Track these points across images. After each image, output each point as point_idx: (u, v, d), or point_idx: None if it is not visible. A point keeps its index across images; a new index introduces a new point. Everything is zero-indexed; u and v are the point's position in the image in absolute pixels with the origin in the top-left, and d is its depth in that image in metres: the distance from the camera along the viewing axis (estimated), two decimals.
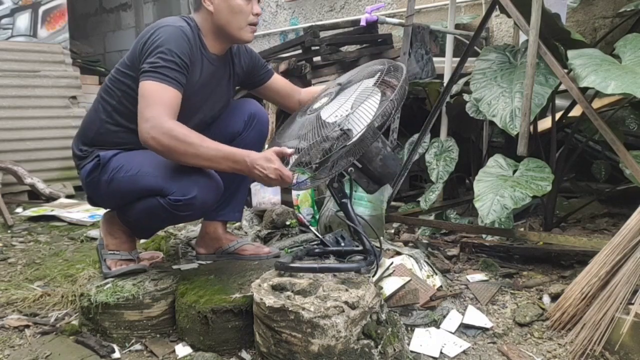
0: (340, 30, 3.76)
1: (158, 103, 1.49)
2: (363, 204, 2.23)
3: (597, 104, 2.29)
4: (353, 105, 1.52)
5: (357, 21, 3.53)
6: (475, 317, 1.64)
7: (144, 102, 1.51)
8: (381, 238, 1.73)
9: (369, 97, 1.50)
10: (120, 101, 1.68)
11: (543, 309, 1.68)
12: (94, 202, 1.83)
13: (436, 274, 1.86)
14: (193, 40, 1.62)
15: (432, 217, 2.61)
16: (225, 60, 1.77)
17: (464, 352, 1.49)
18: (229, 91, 1.84)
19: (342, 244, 1.63)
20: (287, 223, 2.42)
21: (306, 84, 3.15)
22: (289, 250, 2.10)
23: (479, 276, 1.97)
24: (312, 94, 1.89)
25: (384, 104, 1.44)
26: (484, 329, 1.60)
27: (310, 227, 2.40)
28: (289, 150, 1.52)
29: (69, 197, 3.84)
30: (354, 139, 1.42)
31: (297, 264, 1.51)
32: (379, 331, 1.33)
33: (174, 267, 1.89)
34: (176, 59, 1.54)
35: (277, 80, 1.93)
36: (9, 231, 3.01)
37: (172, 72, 1.53)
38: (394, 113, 1.45)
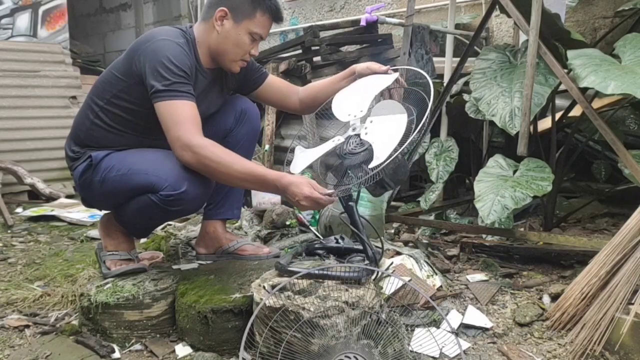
0: (340, 30, 3.76)
1: (179, 121, 1.51)
2: (363, 204, 2.23)
3: (597, 104, 2.29)
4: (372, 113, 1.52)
5: (357, 21, 3.53)
6: (475, 317, 1.64)
7: (167, 124, 1.52)
8: (382, 238, 1.73)
9: (393, 113, 1.50)
10: (109, 101, 1.68)
11: (543, 309, 1.68)
12: (88, 204, 1.83)
13: (436, 274, 1.86)
14: (191, 56, 1.63)
15: (432, 217, 2.61)
16: (217, 73, 1.77)
17: (464, 352, 1.49)
18: (221, 99, 1.85)
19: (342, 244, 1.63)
20: (287, 223, 2.42)
21: (306, 84, 3.14)
22: (289, 250, 2.10)
23: (479, 276, 1.97)
24: (311, 89, 1.90)
25: (410, 132, 1.44)
26: (484, 329, 1.61)
27: (310, 227, 2.40)
28: (325, 191, 1.48)
29: (69, 197, 3.84)
30: (380, 164, 1.42)
31: (295, 268, 1.51)
32: (378, 331, 1.33)
33: (174, 267, 1.89)
34: (181, 72, 1.55)
35: (273, 82, 1.93)
36: (9, 231, 3.01)
37: (184, 86, 1.55)
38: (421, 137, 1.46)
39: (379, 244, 1.68)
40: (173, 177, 1.57)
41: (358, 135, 1.56)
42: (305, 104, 1.92)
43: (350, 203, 1.57)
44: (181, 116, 1.52)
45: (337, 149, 1.58)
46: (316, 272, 1.44)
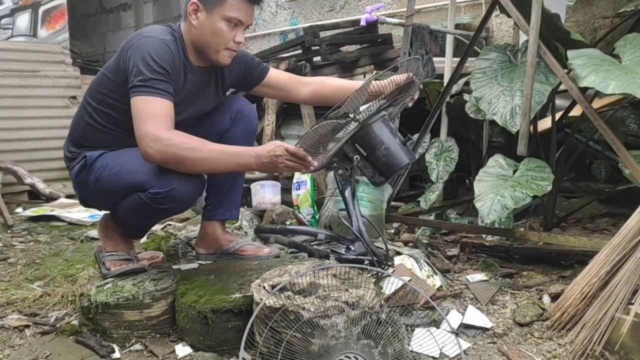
0: (340, 30, 3.76)
1: (151, 117, 1.50)
2: (363, 204, 2.23)
3: (597, 104, 2.29)
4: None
5: (357, 21, 3.53)
6: (475, 317, 1.64)
7: (138, 118, 1.51)
8: (383, 237, 1.72)
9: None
10: (101, 101, 1.68)
11: (543, 309, 1.68)
12: (86, 204, 1.83)
13: (436, 274, 1.86)
14: (176, 53, 1.62)
15: (432, 217, 2.61)
16: (211, 71, 1.76)
17: (464, 352, 1.49)
18: (217, 97, 1.84)
19: (352, 249, 1.61)
20: (287, 223, 2.42)
21: None
22: (289, 251, 2.10)
23: (479, 276, 1.97)
24: (327, 89, 1.86)
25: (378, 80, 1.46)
26: (484, 329, 1.60)
27: (310, 227, 2.40)
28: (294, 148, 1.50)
29: (69, 197, 3.84)
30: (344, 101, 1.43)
31: (269, 226, 1.52)
32: (378, 331, 1.33)
33: (174, 267, 1.89)
34: (161, 69, 1.55)
35: (276, 75, 1.90)
36: (9, 231, 3.01)
37: (160, 83, 1.54)
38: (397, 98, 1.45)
39: (380, 244, 1.67)
40: (161, 175, 1.57)
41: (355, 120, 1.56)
42: (316, 99, 1.90)
43: (345, 187, 1.56)
44: (151, 113, 1.50)
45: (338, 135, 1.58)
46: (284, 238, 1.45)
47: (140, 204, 1.61)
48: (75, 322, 1.73)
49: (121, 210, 1.69)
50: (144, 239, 2.38)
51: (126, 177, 1.61)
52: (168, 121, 1.52)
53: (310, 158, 1.50)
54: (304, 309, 1.29)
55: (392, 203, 2.67)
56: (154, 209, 1.61)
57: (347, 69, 3.50)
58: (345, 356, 1.24)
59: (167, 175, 1.57)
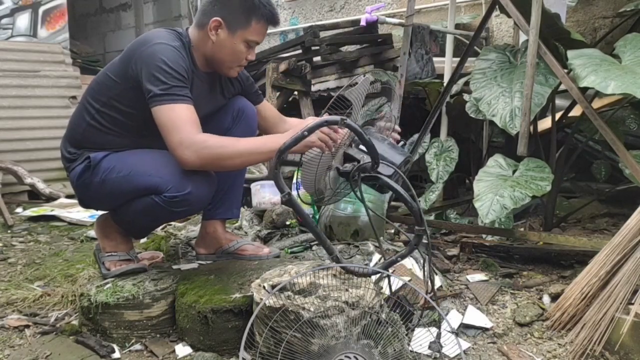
0: (340, 30, 3.76)
1: (181, 124, 1.51)
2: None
3: (597, 104, 2.29)
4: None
5: (357, 21, 3.53)
6: (475, 317, 1.64)
7: (168, 127, 1.52)
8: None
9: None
10: (106, 104, 1.67)
11: (543, 309, 1.68)
12: (86, 205, 1.82)
13: (436, 274, 1.86)
14: (187, 59, 1.63)
15: (432, 217, 2.61)
16: (215, 75, 1.77)
17: (464, 352, 1.49)
18: (223, 100, 1.85)
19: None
20: (287, 223, 2.41)
21: (306, 83, 3.15)
22: (289, 250, 2.10)
23: (479, 276, 1.97)
24: (297, 125, 1.83)
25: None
26: (484, 329, 1.61)
27: None
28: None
29: (69, 197, 3.83)
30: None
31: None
32: (378, 331, 1.33)
33: (174, 267, 1.89)
34: (179, 76, 1.55)
35: (265, 109, 1.96)
36: (9, 231, 3.01)
37: (182, 89, 1.55)
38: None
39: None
40: (177, 178, 1.57)
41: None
42: None
43: (385, 176, 1.53)
44: (181, 120, 1.51)
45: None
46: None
47: (153, 207, 1.60)
48: (75, 322, 1.73)
49: (129, 211, 1.68)
50: (143, 239, 2.38)
51: (139, 180, 1.60)
52: (197, 125, 1.53)
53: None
54: (304, 309, 1.29)
55: (392, 203, 2.67)
56: (168, 212, 1.61)
57: (347, 69, 3.50)
58: (345, 356, 1.24)
59: (183, 178, 1.57)
